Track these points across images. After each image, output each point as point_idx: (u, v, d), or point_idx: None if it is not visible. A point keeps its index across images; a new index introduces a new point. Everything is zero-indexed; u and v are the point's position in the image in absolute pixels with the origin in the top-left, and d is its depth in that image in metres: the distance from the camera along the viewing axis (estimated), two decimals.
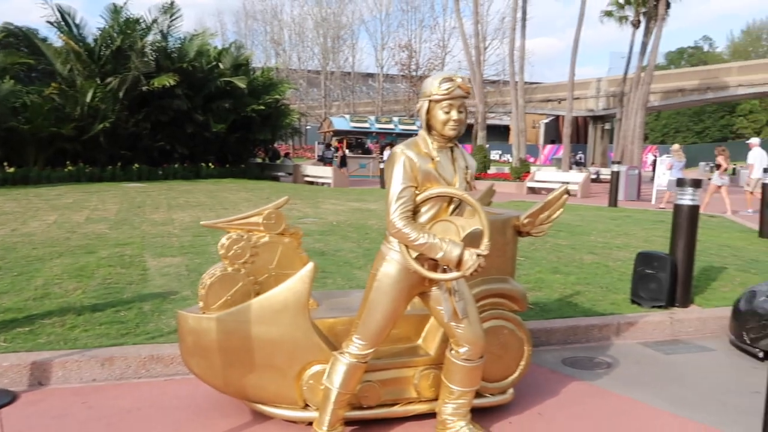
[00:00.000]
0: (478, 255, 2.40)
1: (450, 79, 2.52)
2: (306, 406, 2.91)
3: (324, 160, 27.43)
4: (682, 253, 5.07)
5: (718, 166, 14.11)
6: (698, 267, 6.40)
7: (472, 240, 2.44)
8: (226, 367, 2.88)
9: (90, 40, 20.78)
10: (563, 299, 5.13)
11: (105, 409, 3.12)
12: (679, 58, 64.89)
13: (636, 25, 28.05)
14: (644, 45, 26.21)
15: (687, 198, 5.03)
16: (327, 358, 2.79)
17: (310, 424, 2.84)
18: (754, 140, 13.94)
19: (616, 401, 3.45)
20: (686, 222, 5.05)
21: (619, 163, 16.85)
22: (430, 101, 2.54)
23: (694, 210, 5.05)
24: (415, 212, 2.54)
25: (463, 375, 2.78)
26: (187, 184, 17.89)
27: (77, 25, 20.67)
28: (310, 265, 2.90)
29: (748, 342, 4.18)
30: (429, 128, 2.59)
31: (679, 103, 38.67)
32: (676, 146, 16.07)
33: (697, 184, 5.06)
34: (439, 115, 2.53)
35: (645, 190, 18.88)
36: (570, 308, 4.88)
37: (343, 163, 25.76)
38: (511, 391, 3.23)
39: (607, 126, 40.13)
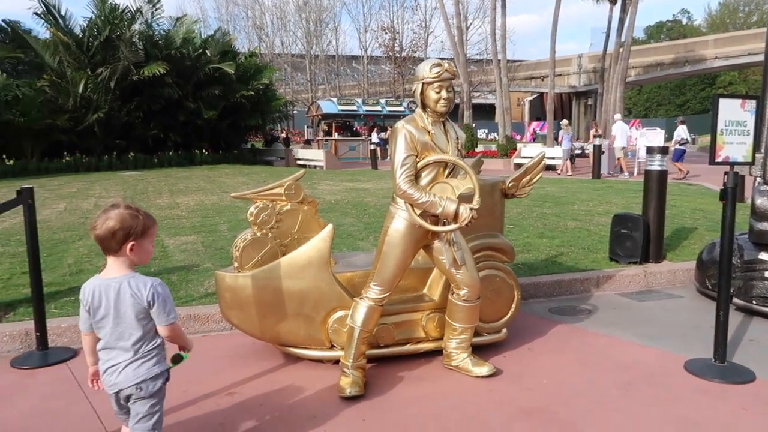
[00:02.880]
0: (471, 209, 2.92)
1: (439, 64, 3.03)
2: (331, 347, 3.44)
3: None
4: (653, 213, 5.63)
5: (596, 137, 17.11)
6: (672, 228, 7.00)
7: (465, 198, 2.96)
8: (261, 317, 3.40)
9: (77, 31, 20.90)
10: (549, 259, 5.68)
11: None
12: (658, 31, 65.35)
13: (613, 1, 28.50)
14: (621, 21, 26.71)
15: (656, 164, 5.58)
16: (348, 304, 3.30)
17: (336, 362, 3.37)
18: (618, 116, 18.03)
19: (593, 338, 4.02)
20: (656, 185, 5.60)
21: (600, 137, 17.42)
22: (423, 83, 3.05)
23: (662, 174, 5.61)
24: (416, 176, 3.05)
25: (464, 314, 3.32)
26: (184, 171, 18.24)
27: (62, 17, 20.77)
28: (329, 226, 3.41)
29: (710, 287, 4.75)
30: (424, 106, 3.10)
31: (658, 77, 39.30)
32: (564, 121, 19.75)
33: (664, 151, 5.61)
34: (432, 95, 3.03)
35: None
36: (555, 266, 5.43)
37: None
38: (504, 331, 3.77)
39: (590, 102, 40.72)
